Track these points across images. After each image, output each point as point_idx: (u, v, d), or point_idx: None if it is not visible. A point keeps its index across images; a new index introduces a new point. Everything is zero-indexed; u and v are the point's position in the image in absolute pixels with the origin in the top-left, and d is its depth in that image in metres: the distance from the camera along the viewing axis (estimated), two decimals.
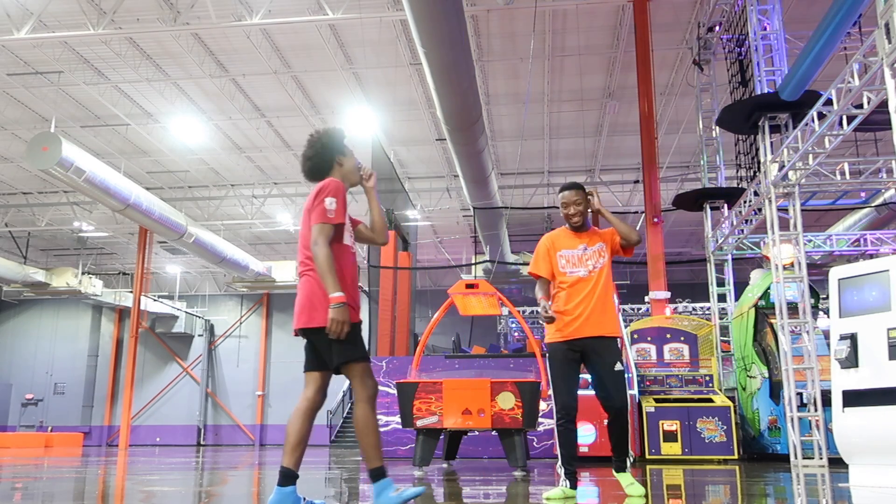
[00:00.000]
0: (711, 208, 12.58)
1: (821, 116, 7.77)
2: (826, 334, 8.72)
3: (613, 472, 4.32)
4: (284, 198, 22.01)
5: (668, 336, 10.54)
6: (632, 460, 3.92)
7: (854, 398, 4.82)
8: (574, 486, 4.15)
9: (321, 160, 3.44)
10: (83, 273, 25.37)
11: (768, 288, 9.94)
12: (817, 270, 13.94)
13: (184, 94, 16.21)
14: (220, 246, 21.53)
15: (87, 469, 8.45)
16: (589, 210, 4.39)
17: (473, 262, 21.83)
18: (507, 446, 7.10)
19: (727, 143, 13.20)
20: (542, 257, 4.41)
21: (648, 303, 13.35)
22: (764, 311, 10.10)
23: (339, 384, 26.53)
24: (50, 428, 28.48)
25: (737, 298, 11.81)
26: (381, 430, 11.55)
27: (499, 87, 15.93)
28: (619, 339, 4.33)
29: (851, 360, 4.83)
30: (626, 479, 4.24)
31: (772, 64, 9.68)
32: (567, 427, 4.19)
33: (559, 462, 4.25)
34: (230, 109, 16.70)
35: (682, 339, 10.51)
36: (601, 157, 19.29)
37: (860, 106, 6.99)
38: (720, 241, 12.25)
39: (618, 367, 4.17)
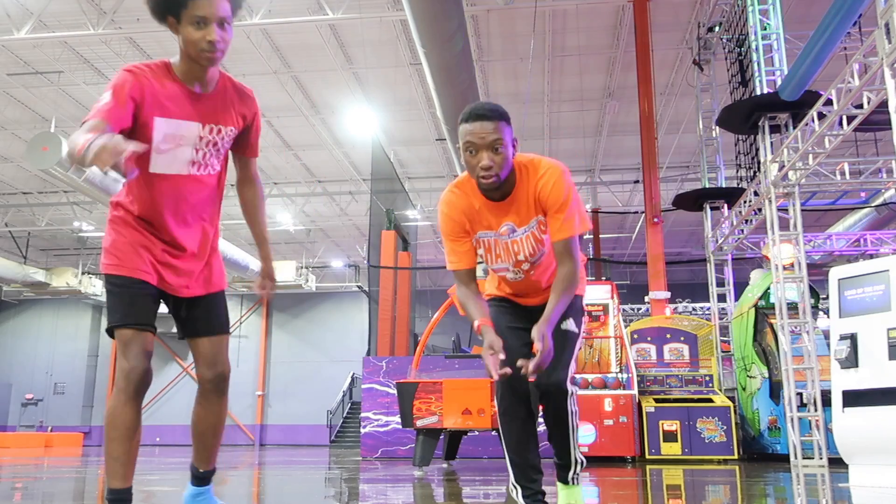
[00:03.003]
0: (711, 208, 12.59)
1: (821, 116, 7.77)
2: (826, 334, 8.72)
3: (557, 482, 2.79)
4: (284, 198, 22.00)
5: (668, 336, 10.55)
6: (580, 467, 2.76)
7: (854, 398, 4.82)
8: None
9: (152, 7, 2.38)
10: (83, 273, 25.37)
11: (768, 288, 9.94)
12: (817, 270, 13.94)
13: None
14: (219, 246, 21.50)
15: (87, 469, 8.45)
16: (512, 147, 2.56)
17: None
18: None
19: (727, 143, 13.20)
20: (455, 235, 2.68)
21: (648, 303, 13.35)
22: (764, 311, 10.10)
23: (337, 383, 26.54)
24: (50, 428, 28.47)
25: (737, 298, 11.81)
26: (381, 430, 11.57)
27: (499, 87, 15.92)
28: (576, 297, 2.75)
29: (851, 360, 4.83)
30: (568, 496, 2.76)
31: (772, 64, 9.68)
32: (510, 419, 2.68)
33: (510, 479, 2.74)
34: None
35: (682, 339, 10.52)
36: (601, 157, 19.29)
37: (860, 106, 6.99)
38: (720, 241, 12.25)
39: (566, 325, 2.69)
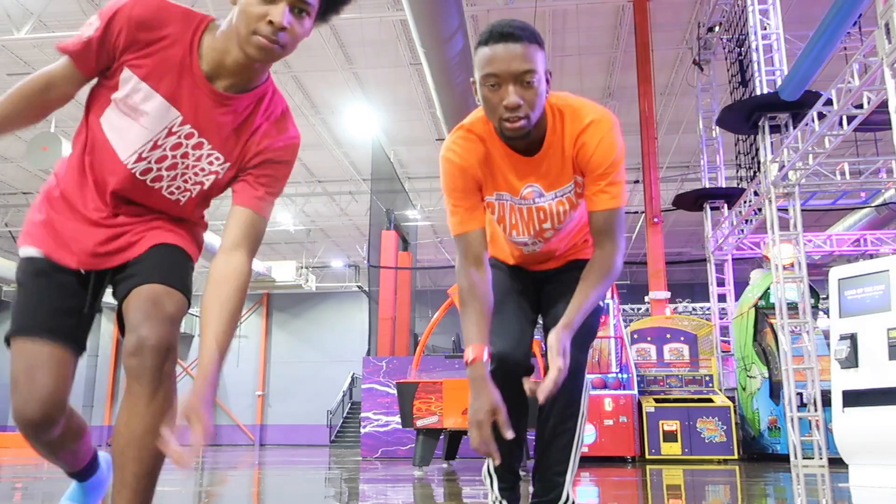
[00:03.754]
0: (711, 208, 12.60)
1: (821, 116, 7.78)
2: (826, 334, 8.73)
3: None
4: (284, 198, 22.00)
5: (668, 336, 10.55)
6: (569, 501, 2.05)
7: (854, 398, 4.82)
8: None
9: None
10: None
11: (768, 288, 9.94)
12: (817, 270, 13.94)
13: None
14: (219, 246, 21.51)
15: None
16: (544, 83, 1.87)
17: None
18: None
19: (727, 143, 13.20)
20: (464, 191, 2.01)
21: (648, 303, 13.36)
22: (764, 311, 10.10)
23: (337, 383, 26.54)
24: None
25: (737, 298, 11.82)
26: (381, 430, 11.54)
27: None
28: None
29: (851, 360, 4.83)
30: None
31: (772, 64, 9.69)
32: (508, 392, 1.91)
33: (486, 466, 2.14)
34: None
35: (682, 339, 10.52)
36: None
37: (860, 106, 6.99)
38: (720, 241, 12.25)
39: None
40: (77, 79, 1.64)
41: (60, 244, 1.69)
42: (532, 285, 2.18)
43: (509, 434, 1.83)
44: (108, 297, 1.81)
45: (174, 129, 1.63)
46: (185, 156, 1.67)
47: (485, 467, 2.14)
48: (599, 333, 10.47)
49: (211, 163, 1.69)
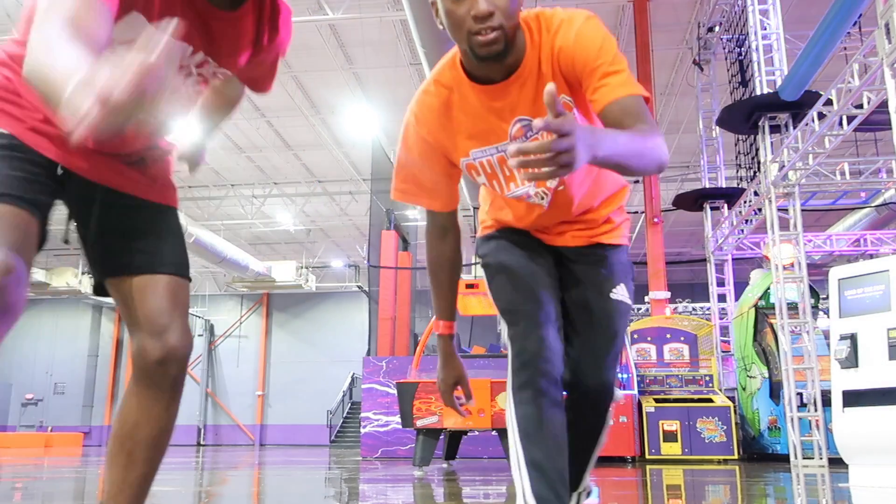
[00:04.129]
0: (711, 208, 12.60)
1: (821, 116, 7.78)
2: (826, 334, 8.73)
3: None
4: (284, 198, 22.01)
5: (668, 336, 10.55)
6: (585, 497, 2.00)
7: (854, 398, 4.82)
8: None
9: None
10: (83, 273, 25.37)
11: (768, 288, 9.95)
12: (817, 270, 13.94)
13: None
14: (219, 246, 21.54)
15: (88, 469, 8.45)
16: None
17: (473, 262, 21.81)
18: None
19: (727, 143, 13.20)
20: (429, 159, 1.77)
21: (648, 303, 13.36)
22: (764, 311, 10.10)
23: (337, 383, 26.54)
24: (50, 428, 28.47)
25: (737, 298, 11.82)
26: (381, 430, 11.52)
27: None
28: (623, 248, 1.96)
29: (851, 360, 4.83)
30: None
31: (772, 64, 9.69)
32: (535, 392, 1.68)
33: (524, 492, 1.67)
34: None
35: (682, 339, 10.52)
36: None
37: (860, 106, 7.00)
38: (720, 241, 12.26)
39: (617, 293, 1.85)
40: (110, 20, 1.25)
41: (33, 128, 1.40)
42: (551, 257, 1.87)
43: (472, 403, 1.93)
44: (108, 298, 1.79)
45: (184, 63, 1.45)
46: (202, 80, 1.54)
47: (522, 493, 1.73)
48: None
49: (218, 78, 1.58)
